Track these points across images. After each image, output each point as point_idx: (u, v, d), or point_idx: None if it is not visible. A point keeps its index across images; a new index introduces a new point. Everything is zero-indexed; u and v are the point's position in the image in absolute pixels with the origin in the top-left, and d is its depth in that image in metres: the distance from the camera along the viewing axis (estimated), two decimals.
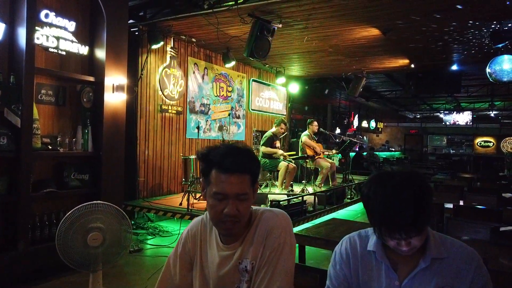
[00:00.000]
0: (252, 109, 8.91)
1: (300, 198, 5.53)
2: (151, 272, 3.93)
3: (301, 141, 7.52)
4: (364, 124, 17.67)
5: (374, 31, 5.93)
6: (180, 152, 6.77)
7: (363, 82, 9.11)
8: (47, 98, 3.93)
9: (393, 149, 21.20)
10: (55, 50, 3.93)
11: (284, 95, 10.15)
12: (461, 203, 4.42)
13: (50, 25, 3.86)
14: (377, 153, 17.49)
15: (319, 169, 7.43)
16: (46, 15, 3.81)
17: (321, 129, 8.23)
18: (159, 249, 4.76)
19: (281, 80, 8.98)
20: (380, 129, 19.82)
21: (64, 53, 4.01)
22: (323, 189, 6.92)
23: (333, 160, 8.20)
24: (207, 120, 7.52)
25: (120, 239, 3.05)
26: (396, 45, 6.70)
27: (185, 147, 6.98)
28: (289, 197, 5.53)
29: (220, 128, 7.84)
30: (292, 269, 1.30)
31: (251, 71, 8.87)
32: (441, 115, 19.04)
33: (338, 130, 14.81)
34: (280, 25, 5.59)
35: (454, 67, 8.36)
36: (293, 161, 6.90)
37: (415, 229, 1.14)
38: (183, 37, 6.56)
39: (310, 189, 6.90)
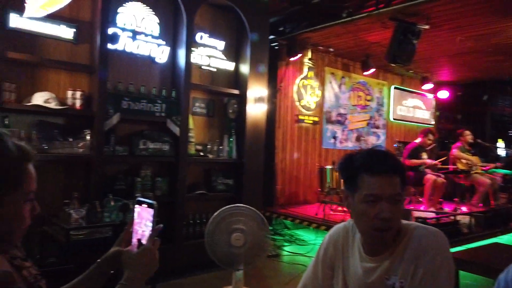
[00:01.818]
0: (393, 119, 8.36)
1: (452, 217, 4.89)
2: (288, 278, 3.99)
3: (452, 154, 6.67)
4: None
5: None
6: (316, 162, 6.77)
7: None
8: (200, 110, 4.43)
9: None
10: (207, 68, 4.41)
11: (431, 103, 9.24)
12: None
13: (204, 45, 4.36)
14: None
15: (476, 187, 6.44)
16: (201, 37, 4.32)
17: (478, 140, 7.15)
18: (296, 256, 4.81)
19: (427, 86, 8.19)
20: None
21: (214, 69, 4.46)
22: (481, 209, 5.97)
23: (495, 176, 7.01)
24: (343, 130, 7.36)
25: (260, 242, 3.18)
26: None
27: (321, 157, 6.95)
28: (438, 215, 4.93)
29: (358, 139, 7.57)
30: None
31: (392, 78, 8.35)
32: None
33: (501, 142, 12.65)
34: (427, 26, 5.11)
35: None
36: (442, 175, 6.16)
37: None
38: (321, 47, 6.60)
39: (464, 209, 6.04)
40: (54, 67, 3.41)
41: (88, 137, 3.39)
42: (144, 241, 1.07)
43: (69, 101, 3.37)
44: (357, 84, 7.58)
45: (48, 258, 2.97)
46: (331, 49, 6.71)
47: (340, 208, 5.63)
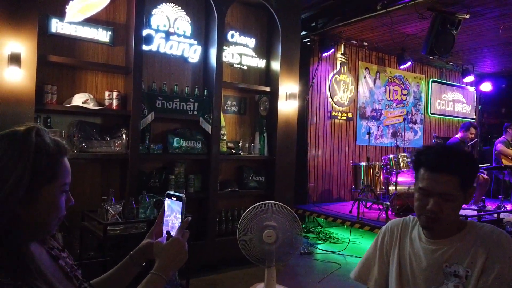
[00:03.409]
0: (432, 113, 8.04)
1: (496, 215, 4.64)
2: (321, 276, 3.95)
3: (496, 149, 6.32)
4: None
5: None
6: (350, 159, 6.65)
7: None
8: (231, 108, 4.47)
9: None
10: (238, 66, 4.44)
11: (473, 96, 8.81)
12: None
13: (235, 43, 4.39)
14: None
15: None
16: (232, 35, 4.35)
17: None
18: (329, 255, 4.75)
19: (469, 79, 7.80)
20: None
21: (245, 67, 4.48)
22: None
23: None
24: (378, 126, 7.17)
25: (292, 239, 3.16)
26: None
27: (355, 154, 6.82)
28: (480, 213, 4.70)
29: (394, 134, 7.35)
30: None
31: (430, 71, 8.03)
32: None
33: None
34: (467, 16, 4.87)
35: None
36: (485, 171, 5.87)
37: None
38: (354, 42, 6.46)
39: (508, 206, 5.72)
40: (92, 69, 3.55)
41: (124, 136, 3.51)
42: (173, 233, 1.10)
43: (106, 102, 3.51)
44: (392, 78, 7.35)
45: (88, 253, 3.11)
46: (365, 43, 6.54)
47: (375, 206, 5.50)
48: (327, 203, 6.28)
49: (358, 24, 5.59)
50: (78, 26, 3.40)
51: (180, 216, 1.12)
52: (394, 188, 5.18)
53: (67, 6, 3.25)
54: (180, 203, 1.12)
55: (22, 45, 2.93)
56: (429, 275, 1.30)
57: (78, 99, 3.31)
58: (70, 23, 3.34)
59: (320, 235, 5.58)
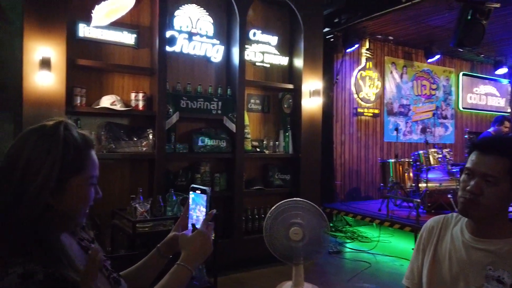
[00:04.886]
0: (463, 108, 7.76)
1: None
2: (350, 275, 3.88)
3: None
4: None
5: None
6: (377, 156, 6.51)
7: None
8: (255, 106, 4.46)
9: None
10: (261, 64, 4.43)
11: (506, 88, 8.44)
12: None
13: (257, 42, 4.38)
14: None
15: None
16: (254, 34, 4.35)
17: None
18: (358, 253, 4.66)
19: (501, 71, 7.48)
20: None
21: (268, 65, 4.47)
22: None
23: None
24: (407, 122, 6.98)
25: (319, 237, 3.10)
26: None
27: (382, 151, 6.67)
28: None
29: (423, 130, 7.14)
30: None
31: (460, 64, 7.76)
32: None
33: None
34: (498, 5, 4.66)
35: None
36: None
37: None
38: (379, 36, 6.33)
39: None
40: (119, 71, 3.64)
41: (150, 136, 3.57)
42: (198, 226, 1.10)
43: (133, 103, 3.58)
44: (420, 72, 7.15)
45: (119, 251, 3.18)
46: (391, 38, 6.40)
47: (405, 204, 5.36)
48: (355, 201, 6.17)
49: (382, 18, 5.47)
50: (104, 30, 3.49)
51: (204, 209, 1.12)
52: (424, 185, 5.01)
53: (93, 11, 3.34)
54: (205, 196, 1.13)
55: (52, 49, 3.04)
56: (468, 274, 1.23)
57: (106, 101, 3.39)
58: (96, 27, 3.43)
59: (349, 234, 5.49)
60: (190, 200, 1.18)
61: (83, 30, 3.40)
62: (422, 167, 5.16)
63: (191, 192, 1.18)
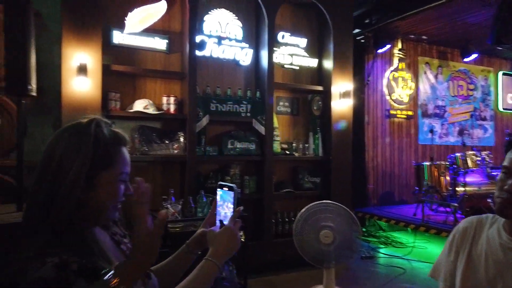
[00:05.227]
0: (503, 109, 7.40)
1: None
2: (384, 281, 3.76)
3: None
4: None
5: None
6: (411, 159, 6.31)
7: None
8: (284, 109, 4.45)
9: None
10: (290, 66, 4.42)
11: None
12: None
13: (286, 44, 4.38)
14: None
15: None
16: (282, 36, 4.35)
17: None
18: (392, 259, 4.51)
19: None
20: None
21: (297, 67, 4.45)
22: None
23: None
24: (443, 124, 6.73)
25: (350, 242, 3.04)
26: None
27: (417, 154, 6.46)
28: None
29: (460, 132, 6.86)
30: None
31: (499, 63, 7.41)
32: None
33: None
34: None
35: None
36: None
37: None
38: (412, 36, 6.16)
39: None
40: (151, 76, 3.74)
41: (182, 139, 3.64)
42: (226, 222, 1.11)
43: (164, 106, 3.67)
44: (456, 72, 6.89)
45: None
46: (424, 37, 6.21)
47: (441, 208, 5.15)
48: (389, 205, 6.00)
49: (415, 17, 5.33)
50: (137, 36, 3.60)
51: (232, 205, 1.13)
52: (462, 189, 4.80)
53: (126, 18, 3.46)
54: (232, 193, 1.13)
55: (89, 56, 3.17)
56: (507, 276, 1.18)
57: (139, 105, 3.49)
58: (130, 33, 3.54)
59: (382, 239, 5.33)
60: (218, 197, 1.19)
61: (118, 37, 3.53)
62: (460, 170, 4.96)
63: (218, 189, 1.19)
